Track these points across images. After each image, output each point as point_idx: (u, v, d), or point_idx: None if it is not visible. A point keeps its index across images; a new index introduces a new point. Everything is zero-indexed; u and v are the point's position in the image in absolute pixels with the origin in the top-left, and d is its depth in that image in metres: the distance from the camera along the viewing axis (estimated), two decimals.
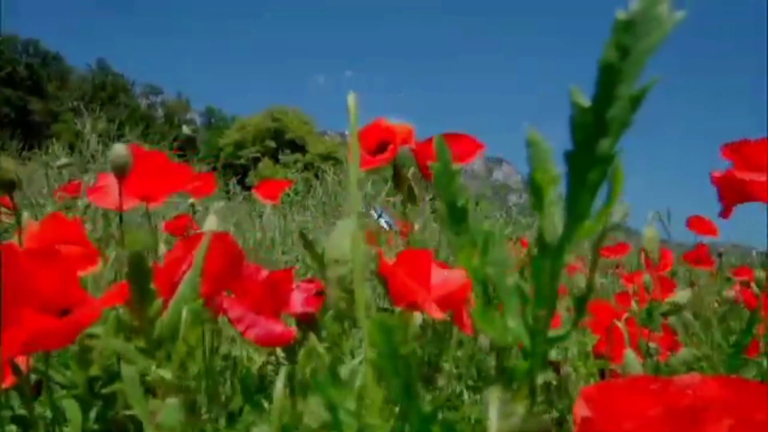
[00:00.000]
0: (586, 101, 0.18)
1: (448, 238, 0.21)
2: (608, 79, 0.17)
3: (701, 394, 0.43)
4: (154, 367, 0.32)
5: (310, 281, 0.79)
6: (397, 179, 0.96)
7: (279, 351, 0.86)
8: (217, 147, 35.57)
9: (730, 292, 1.12)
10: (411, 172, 1.07)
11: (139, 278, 0.30)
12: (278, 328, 0.73)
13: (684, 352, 0.76)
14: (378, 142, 0.96)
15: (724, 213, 0.60)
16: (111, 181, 0.89)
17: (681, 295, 0.59)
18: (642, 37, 0.16)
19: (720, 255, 1.74)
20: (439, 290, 0.55)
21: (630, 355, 0.52)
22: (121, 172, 0.58)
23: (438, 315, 0.53)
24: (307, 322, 0.81)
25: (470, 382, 0.97)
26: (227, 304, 0.71)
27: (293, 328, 0.73)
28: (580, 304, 0.20)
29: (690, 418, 0.42)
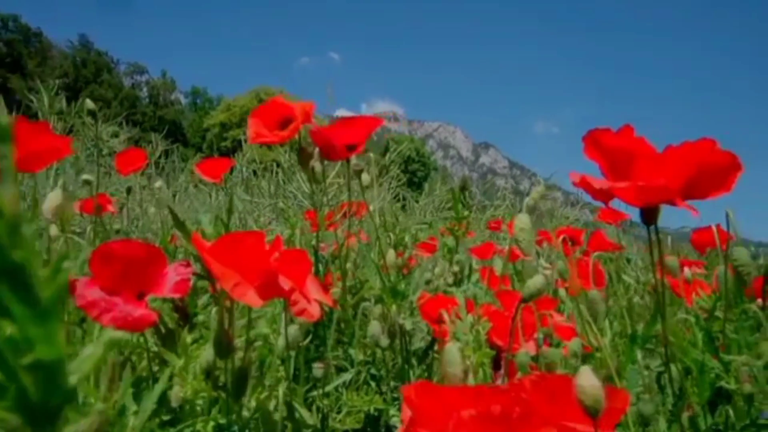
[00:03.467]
0: None
1: None
2: None
3: (516, 396, 0.39)
4: None
5: (187, 264, 0.74)
6: (301, 158, 0.91)
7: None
8: (203, 128, 35.10)
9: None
10: (317, 150, 1.02)
11: None
12: (137, 311, 0.67)
13: (573, 344, 0.71)
14: (280, 120, 0.90)
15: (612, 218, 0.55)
16: None
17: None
18: None
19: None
20: (264, 275, 0.49)
21: (451, 349, 0.47)
22: None
23: (255, 302, 0.47)
24: (178, 307, 0.76)
25: (372, 371, 0.93)
26: (78, 288, 0.65)
27: (153, 312, 0.67)
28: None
29: (502, 421, 0.37)
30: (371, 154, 0.98)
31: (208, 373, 0.57)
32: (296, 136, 0.87)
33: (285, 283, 0.54)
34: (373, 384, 0.92)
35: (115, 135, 3.87)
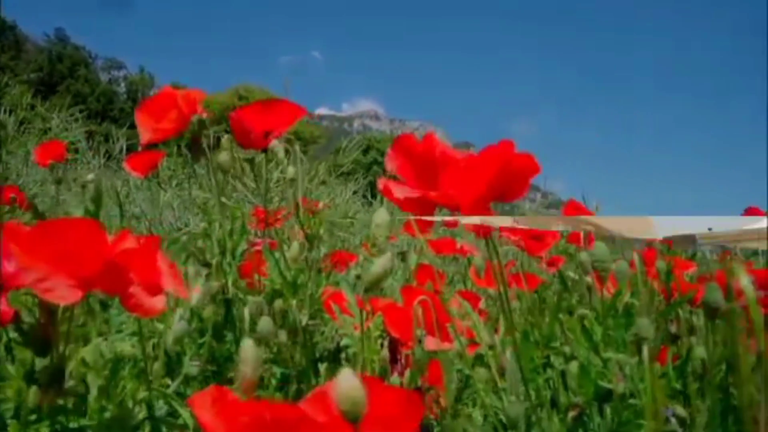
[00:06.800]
0: None
1: None
2: None
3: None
4: None
5: None
6: (194, 149, 0.87)
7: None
8: None
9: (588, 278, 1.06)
10: (226, 138, 0.97)
11: None
12: None
13: (457, 342, 0.68)
14: (169, 112, 0.85)
15: (420, 228, 0.52)
16: None
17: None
18: None
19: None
20: (97, 265, 0.45)
21: (247, 345, 0.43)
22: None
23: (64, 299, 0.43)
24: (41, 302, 0.71)
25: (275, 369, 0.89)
26: None
27: (8, 309, 0.62)
28: None
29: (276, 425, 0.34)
30: (297, 148, 0.93)
31: (30, 373, 0.53)
32: (188, 128, 0.83)
33: (122, 275, 0.50)
34: (273, 382, 0.88)
35: (66, 129, 3.76)
